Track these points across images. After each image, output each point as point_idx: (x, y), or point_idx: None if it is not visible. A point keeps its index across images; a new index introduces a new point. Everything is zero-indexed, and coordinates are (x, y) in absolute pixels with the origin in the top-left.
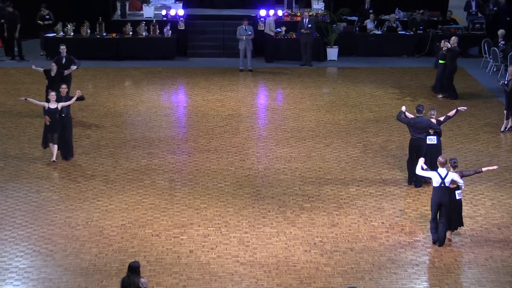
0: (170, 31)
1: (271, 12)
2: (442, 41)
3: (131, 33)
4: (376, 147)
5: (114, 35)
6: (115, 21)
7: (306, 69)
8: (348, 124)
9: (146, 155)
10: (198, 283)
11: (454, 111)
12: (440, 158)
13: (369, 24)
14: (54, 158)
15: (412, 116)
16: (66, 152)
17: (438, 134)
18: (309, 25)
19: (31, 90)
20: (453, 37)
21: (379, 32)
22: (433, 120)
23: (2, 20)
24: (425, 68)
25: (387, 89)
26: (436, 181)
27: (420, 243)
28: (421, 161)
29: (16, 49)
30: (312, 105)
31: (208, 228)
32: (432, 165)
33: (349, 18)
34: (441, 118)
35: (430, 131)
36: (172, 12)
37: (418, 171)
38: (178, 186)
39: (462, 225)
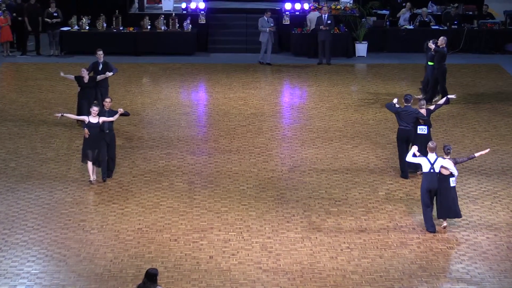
0: (190, 25)
1: (306, 5)
2: (430, 42)
3: (149, 27)
4: None
5: (131, 29)
6: (132, 15)
7: (334, 65)
8: (378, 124)
9: (164, 156)
10: None
11: (444, 99)
12: (430, 144)
13: (402, 19)
14: (91, 178)
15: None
16: (106, 172)
17: (428, 124)
18: (328, 21)
19: (44, 87)
20: (441, 37)
21: (411, 27)
22: (423, 110)
23: (20, 18)
24: (459, 65)
25: (418, 87)
26: (426, 167)
27: (453, 250)
28: (414, 148)
29: (31, 43)
30: (339, 103)
31: (229, 233)
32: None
33: (379, 12)
34: (432, 107)
35: (420, 121)
36: (193, 5)
37: (409, 158)
38: (197, 188)
39: (460, 217)
